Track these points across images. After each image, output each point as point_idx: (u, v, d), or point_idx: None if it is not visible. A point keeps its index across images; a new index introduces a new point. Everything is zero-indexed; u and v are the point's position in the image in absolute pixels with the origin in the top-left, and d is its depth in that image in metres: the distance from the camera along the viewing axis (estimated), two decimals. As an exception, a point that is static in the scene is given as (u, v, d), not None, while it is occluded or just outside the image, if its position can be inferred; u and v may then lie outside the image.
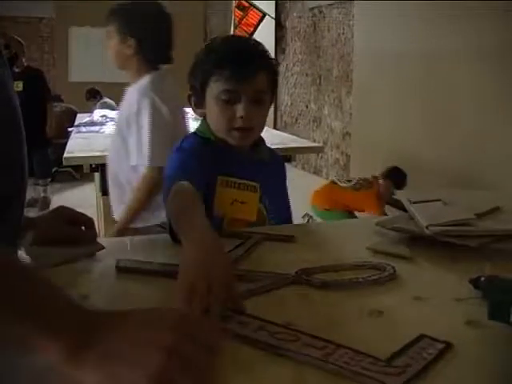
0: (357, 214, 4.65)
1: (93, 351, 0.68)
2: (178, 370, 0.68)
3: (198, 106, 1.58)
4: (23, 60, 6.15)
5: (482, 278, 1.02)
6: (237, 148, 1.54)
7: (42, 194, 6.31)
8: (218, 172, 1.50)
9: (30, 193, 6.24)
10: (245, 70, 1.46)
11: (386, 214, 4.48)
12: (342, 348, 0.82)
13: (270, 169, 1.64)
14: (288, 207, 1.73)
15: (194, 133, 1.61)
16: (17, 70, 5.95)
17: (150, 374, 0.66)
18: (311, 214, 4.63)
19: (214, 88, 1.49)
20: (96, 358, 0.68)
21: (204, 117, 1.59)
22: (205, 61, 1.53)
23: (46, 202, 6.25)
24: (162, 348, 0.68)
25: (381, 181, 4.64)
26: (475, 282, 1.04)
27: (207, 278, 0.90)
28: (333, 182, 4.88)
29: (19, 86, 6.02)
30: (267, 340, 0.84)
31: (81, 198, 6.13)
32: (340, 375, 0.76)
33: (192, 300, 0.88)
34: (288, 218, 1.70)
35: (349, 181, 4.83)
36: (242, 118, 1.47)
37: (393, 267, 1.16)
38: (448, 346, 0.84)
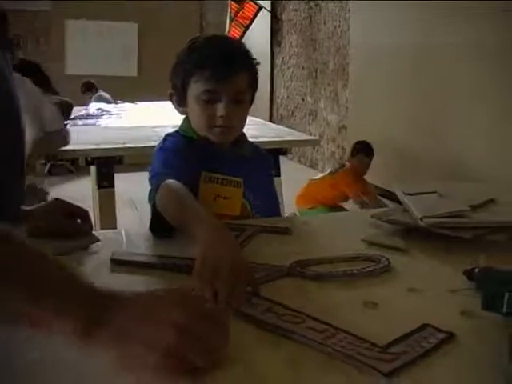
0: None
1: (106, 329, 0.71)
2: (188, 346, 0.70)
3: (180, 104, 1.59)
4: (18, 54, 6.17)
5: (476, 270, 1.03)
6: (219, 145, 1.55)
7: (39, 186, 6.27)
8: (201, 169, 1.51)
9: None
10: (225, 70, 1.48)
11: (366, 191, 4.58)
12: (341, 332, 0.84)
13: (254, 164, 1.64)
14: (277, 205, 1.74)
15: (177, 131, 1.62)
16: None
17: (162, 351, 0.69)
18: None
19: (195, 88, 1.51)
20: (109, 336, 0.71)
21: (186, 115, 1.61)
22: (186, 60, 1.54)
23: (42, 193, 6.23)
24: (172, 325, 0.70)
25: (353, 158, 4.72)
26: (469, 274, 1.05)
27: (214, 265, 0.95)
28: (310, 180, 4.91)
29: None
30: (274, 322, 0.87)
31: (77, 191, 6.11)
32: (337, 359, 0.78)
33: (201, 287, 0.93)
34: (276, 215, 1.69)
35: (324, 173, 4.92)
36: (222, 117, 1.49)
37: (387, 259, 1.16)
38: (450, 336, 0.85)
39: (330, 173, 4.75)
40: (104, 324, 0.71)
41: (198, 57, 1.51)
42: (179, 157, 1.50)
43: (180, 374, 0.71)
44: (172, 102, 1.63)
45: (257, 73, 1.60)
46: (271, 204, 1.67)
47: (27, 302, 0.70)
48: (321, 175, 4.90)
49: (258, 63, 1.60)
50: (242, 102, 1.54)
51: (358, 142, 4.84)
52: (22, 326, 0.73)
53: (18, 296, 0.70)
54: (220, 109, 1.49)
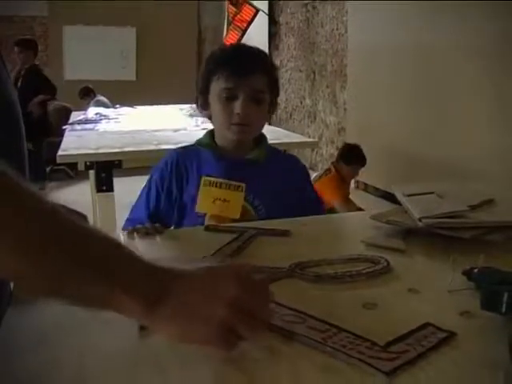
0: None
1: (166, 305, 0.73)
2: (240, 322, 0.74)
3: (204, 107, 1.69)
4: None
5: (475, 270, 1.03)
6: (227, 150, 1.65)
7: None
8: (203, 173, 1.62)
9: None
10: (243, 69, 1.57)
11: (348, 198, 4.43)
12: (343, 332, 0.84)
13: (266, 170, 1.69)
14: (314, 200, 1.78)
15: (193, 144, 1.74)
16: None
17: (217, 325, 0.73)
18: None
19: (216, 86, 1.61)
20: (169, 312, 0.74)
21: (209, 118, 1.71)
22: (209, 63, 1.65)
23: None
24: (227, 301, 0.73)
25: (340, 163, 4.53)
26: (468, 274, 1.05)
27: None
28: None
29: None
30: (275, 322, 0.87)
31: (76, 196, 6.12)
32: (337, 358, 0.78)
33: None
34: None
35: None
36: (239, 114, 1.57)
37: (386, 260, 1.16)
38: (451, 335, 0.85)
39: (314, 179, 4.46)
40: (166, 299, 0.74)
41: (219, 58, 1.64)
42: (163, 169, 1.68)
43: (231, 346, 0.75)
44: (197, 105, 1.74)
45: (276, 78, 1.70)
46: (288, 211, 1.63)
47: (90, 281, 0.71)
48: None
49: (277, 69, 1.72)
50: (261, 102, 1.62)
51: (349, 149, 4.62)
52: (94, 307, 0.75)
53: (81, 276, 0.71)
54: (237, 106, 1.58)
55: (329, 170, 4.58)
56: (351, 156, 4.54)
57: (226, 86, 1.58)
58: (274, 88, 1.68)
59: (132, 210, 1.70)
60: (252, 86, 1.59)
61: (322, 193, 4.37)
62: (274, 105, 1.71)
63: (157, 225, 1.42)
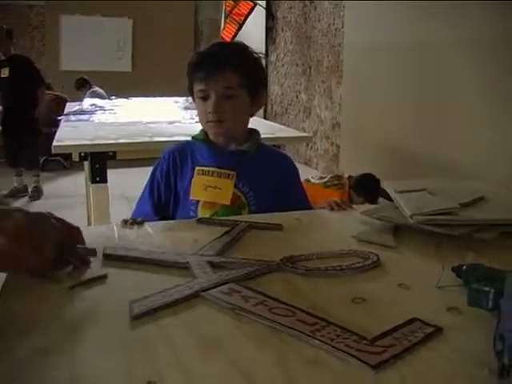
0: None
1: None
2: None
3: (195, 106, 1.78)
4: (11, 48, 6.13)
5: (464, 267, 1.04)
6: (219, 144, 1.73)
7: (34, 184, 6.21)
8: (197, 164, 1.73)
9: (15, 182, 6.22)
10: (212, 69, 1.66)
11: None
12: (332, 325, 0.85)
13: (253, 161, 1.76)
14: (301, 199, 1.84)
15: (189, 141, 1.84)
16: (3, 58, 5.98)
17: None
18: None
19: (195, 89, 1.72)
20: None
21: None
22: (188, 68, 1.73)
23: (37, 191, 6.19)
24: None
25: (352, 192, 4.49)
26: (457, 270, 1.06)
27: None
28: (306, 181, 4.55)
29: (5, 72, 6.00)
30: (264, 314, 0.89)
31: (71, 187, 6.12)
32: (325, 352, 0.79)
33: None
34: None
35: (322, 177, 4.69)
36: (211, 112, 1.67)
37: (376, 255, 1.17)
38: (438, 330, 0.86)
39: (325, 184, 4.49)
40: None
41: (193, 62, 1.72)
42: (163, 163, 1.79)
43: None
44: (194, 102, 1.82)
45: (254, 70, 1.75)
46: (275, 202, 1.74)
47: None
48: (315, 181, 4.61)
49: (252, 62, 1.76)
50: (233, 97, 1.69)
51: (363, 181, 4.50)
52: None
53: None
54: (210, 105, 1.67)
55: (343, 184, 4.52)
56: (364, 190, 4.46)
57: (200, 88, 1.69)
58: (251, 81, 1.72)
59: (136, 209, 1.80)
60: (222, 84, 1.66)
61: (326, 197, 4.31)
62: (258, 96, 1.76)
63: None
